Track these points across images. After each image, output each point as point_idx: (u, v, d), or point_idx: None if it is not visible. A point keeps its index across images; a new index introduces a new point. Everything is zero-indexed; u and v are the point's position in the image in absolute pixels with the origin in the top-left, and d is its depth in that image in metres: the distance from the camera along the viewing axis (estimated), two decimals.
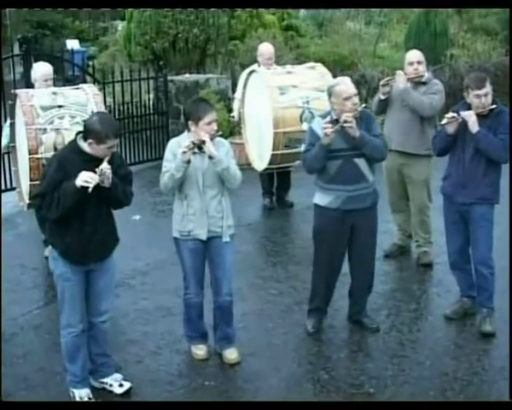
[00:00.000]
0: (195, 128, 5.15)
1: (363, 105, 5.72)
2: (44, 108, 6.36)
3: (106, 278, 4.94)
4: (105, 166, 4.53)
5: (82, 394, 4.94)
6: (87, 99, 6.49)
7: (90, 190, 4.48)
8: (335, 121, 5.50)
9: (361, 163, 5.59)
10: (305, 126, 7.99)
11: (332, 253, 5.74)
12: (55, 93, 6.54)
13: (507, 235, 7.27)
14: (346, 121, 5.41)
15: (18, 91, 6.64)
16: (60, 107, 6.36)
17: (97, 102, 6.51)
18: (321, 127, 5.52)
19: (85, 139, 4.64)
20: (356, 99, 5.55)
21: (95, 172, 4.51)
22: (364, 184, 5.63)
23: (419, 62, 6.97)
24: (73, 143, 4.75)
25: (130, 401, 5.01)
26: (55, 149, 6.00)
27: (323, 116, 5.76)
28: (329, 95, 5.64)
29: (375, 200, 5.78)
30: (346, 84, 5.60)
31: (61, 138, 6.12)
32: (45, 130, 6.29)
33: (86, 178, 4.48)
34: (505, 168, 5.97)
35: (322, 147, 5.50)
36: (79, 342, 4.90)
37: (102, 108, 6.62)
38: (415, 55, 7.06)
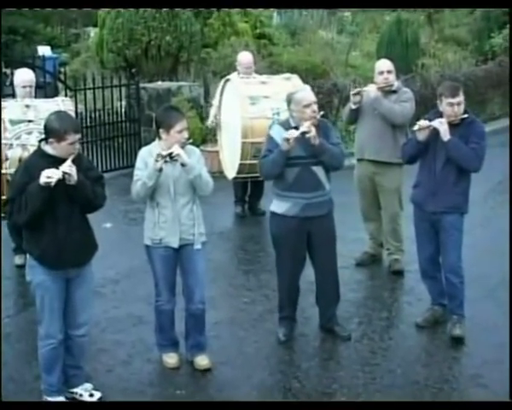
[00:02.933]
0: (166, 136, 5.15)
1: (321, 113, 5.77)
2: (13, 122, 6.30)
3: (84, 287, 4.91)
4: (68, 163, 4.53)
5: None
6: None
7: (52, 184, 4.46)
8: (295, 128, 5.54)
9: (318, 171, 5.65)
10: None
11: (291, 260, 5.78)
12: (27, 106, 6.49)
13: (478, 243, 7.33)
14: (305, 132, 5.45)
15: None
16: (29, 121, 6.30)
17: None
18: (282, 135, 5.55)
19: (47, 141, 4.64)
20: (315, 107, 5.61)
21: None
22: (321, 191, 5.69)
23: (389, 72, 7.03)
24: (38, 148, 4.77)
25: (130, 401, 4.99)
26: None
27: (282, 123, 5.80)
28: (289, 102, 5.71)
29: (331, 208, 5.83)
30: (305, 92, 5.67)
31: (27, 154, 6.03)
32: (11, 145, 6.22)
33: (48, 174, 4.47)
34: (479, 178, 5.99)
35: (281, 153, 5.54)
36: (57, 354, 4.87)
37: None
38: (384, 64, 7.12)
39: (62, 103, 6.62)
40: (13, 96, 7.62)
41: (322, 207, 5.71)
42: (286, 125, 5.69)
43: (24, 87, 7.21)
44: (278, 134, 5.64)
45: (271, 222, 5.87)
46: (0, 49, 10.00)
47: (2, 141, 6.18)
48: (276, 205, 5.77)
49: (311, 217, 5.64)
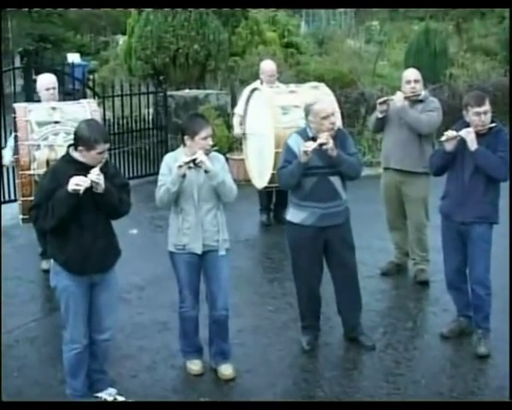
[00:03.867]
0: (191, 143, 5.17)
1: (339, 125, 5.75)
2: (40, 124, 6.35)
3: (108, 292, 4.94)
4: (96, 171, 4.56)
5: None
6: (84, 116, 6.48)
7: (81, 192, 4.49)
8: (312, 139, 5.54)
9: (335, 181, 5.65)
10: None
11: (308, 269, 5.77)
12: (54, 108, 6.53)
13: (502, 254, 7.25)
14: (323, 143, 5.45)
15: (16, 106, 6.64)
16: (56, 123, 6.34)
17: (94, 117, 6.49)
18: (298, 146, 5.56)
19: (76, 148, 4.67)
20: (333, 118, 5.61)
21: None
22: (338, 201, 5.69)
23: (416, 81, 7.01)
24: (66, 154, 4.80)
25: (130, 402, 5.00)
26: (48, 165, 6.00)
27: (300, 133, 5.78)
28: (307, 113, 5.68)
29: (348, 216, 5.82)
30: (324, 103, 5.66)
31: (55, 155, 6.09)
32: (39, 146, 6.27)
33: (77, 182, 4.51)
34: (504, 188, 5.96)
35: (299, 165, 5.54)
36: (82, 358, 4.91)
37: None
38: (412, 73, 7.10)
39: (88, 105, 6.66)
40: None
41: (338, 217, 5.70)
42: (303, 135, 5.68)
43: (48, 89, 7.30)
44: (296, 144, 5.65)
45: (288, 231, 5.87)
46: (0, 49, 10.10)
47: (29, 142, 6.25)
48: (292, 214, 5.78)
49: (327, 226, 5.65)
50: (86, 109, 6.52)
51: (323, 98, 5.73)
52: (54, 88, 7.37)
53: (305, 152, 5.46)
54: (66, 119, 6.34)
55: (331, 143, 5.47)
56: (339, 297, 5.92)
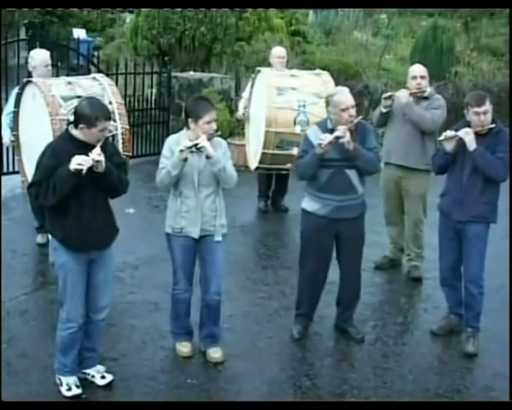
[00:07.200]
0: (195, 126, 5.16)
1: (360, 117, 5.72)
2: (65, 99, 6.38)
3: (105, 270, 4.95)
4: (97, 150, 4.56)
5: (69, 381, 4.94)
6: (103, 89, 6.49)
7: (83, 171, 4.49)
8: (331, 131, 5.52)
9: (351, 174, 5.62)
10: (298, 129, 8.04)
11: (317, 259, 5.76)
12: (70, 83, 6.54)
13: (501, 255, 7.27)
14: (340, 136, 5.42)
15: (36, 81, 6.61)
16: (79, 97, 6.36)
17: (114, 92, 6.51)
18: (316, 137, 5.55)
19: (76, 126, 4.66)
20: (353, 111, 5.57)
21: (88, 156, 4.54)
22: (353, 195, 5.67)
23: (422, 77, 6.99)
24: (65, 131, 4.79)
25: (127, 402, 5.00)
26: None
27: (319, 124, 5.77)
28: (327, 104, 5.67)
29: (363, 211, 5.81)
30: (344, 95, 5.62)
31: None
32: (68, 120, 6.30)
33: (79, 161, 4.50)
34: (504, 189, 5.96)
35: (315, 156, 5.53)
36: (76, 338, 4.91)
37: (120, 99, 6.62)
38: (418, 69, 7.09)
39: (103, 79, 6.65)
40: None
41: (352, 210, 5.69)
42: (323, 126, 5.67)
43: (46, 66, 7.23)
44: (314, 135, 5.63)
45: (301, 218, 5.85)
46: (0, 49, 10.06)
47: (60, 117, 6.24)
48: (307, 203, 5.77)
49: (340, 219, 5.63)
50: (102, 83, 6.53)
51: (344, 90, 5.69)
52: (50, 64, 7.33)
53: (320, 145, 5.45)
54: (88, 93, 6.35)
55: (348, 137, 5.43)
56: (342, 291, 5.93)
